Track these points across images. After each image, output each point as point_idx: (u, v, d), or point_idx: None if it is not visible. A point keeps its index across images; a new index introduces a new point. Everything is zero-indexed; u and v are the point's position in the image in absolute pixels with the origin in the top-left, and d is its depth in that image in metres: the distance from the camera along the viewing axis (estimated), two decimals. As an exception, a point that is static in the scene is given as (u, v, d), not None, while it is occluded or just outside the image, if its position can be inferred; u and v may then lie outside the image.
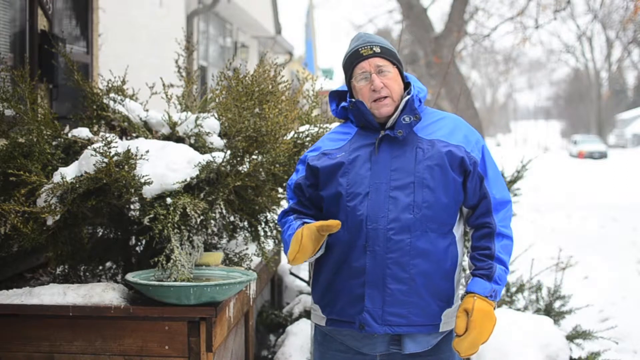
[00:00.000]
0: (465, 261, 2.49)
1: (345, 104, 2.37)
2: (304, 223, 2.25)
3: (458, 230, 2.28)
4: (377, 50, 2.27)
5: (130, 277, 2.78)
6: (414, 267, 2.17)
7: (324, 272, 2.29)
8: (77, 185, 2.78)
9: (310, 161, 2.34)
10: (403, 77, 2.34)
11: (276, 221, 3.55)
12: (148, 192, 2.82)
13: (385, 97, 2.25)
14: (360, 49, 2.29)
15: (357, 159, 2.25)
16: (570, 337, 4.05)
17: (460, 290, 2.37)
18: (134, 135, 3.40)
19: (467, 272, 2.30)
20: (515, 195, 4.86)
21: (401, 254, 2.17)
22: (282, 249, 3.89)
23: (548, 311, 4.41)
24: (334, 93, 2.47)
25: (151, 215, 2.78)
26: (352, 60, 2.31)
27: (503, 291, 4.53)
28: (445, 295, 2.23)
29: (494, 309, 2.19)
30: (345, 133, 2.36)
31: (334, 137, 2.38)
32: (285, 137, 3.26)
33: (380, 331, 2.19)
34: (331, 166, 2.27)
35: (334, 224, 2.13)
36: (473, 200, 2.27)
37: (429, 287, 2.19)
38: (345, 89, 2.43)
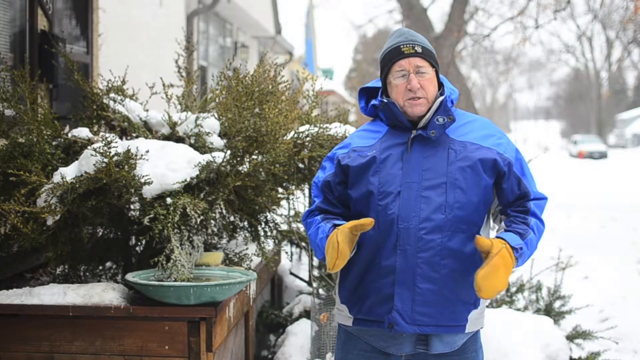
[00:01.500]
0: None
1: (375, 102, 2.34)
2: (334, 225, 2.22)
3: (484, 231, 2.28)
4: (419, 50, 2.25)
5: (130, 277, 2.78)
6: (445, 267, 2.16)
7: (353, 271, 2.27)
8: (77, 185, 2.78)
9: (341, 158, 2.31)
10: (439, 79, 2.33)
11: (276, 221, 3.55)
12: (148, 192, 2.82)
13: (420, 97, 2.23)
14: (402, 46, 2.25)
15: (388, 158, 2.23)
16: (570, 337, 4.05)
17: None
18: (134, 135, 3.40)
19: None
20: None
21: (432, 254, 2.15)
22: (280, 250, 3.89)
23: (548, 311, 4.41)
24: (363, 90, 2.45)
25: (151, 215, 2.78)
26: (391, 57, 2.27)
27: (503, 291, 4.53)
28: (473, 296, 2.21)
29: (512, 271, 2.14)
30: (376, 131, 2.33)
31: (364, 135, 2.34)
32: (285, 137, 3.26)
33: (410, 330, 2.17)
34: (362, 164, 2.25)
35: (367, 222, 2.11)
36: (511, 199, 2.26)
37: (457, 288, 2.18)
38: (375, 85, 2.41)
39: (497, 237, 2.17)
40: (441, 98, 2.24)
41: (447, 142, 2.23)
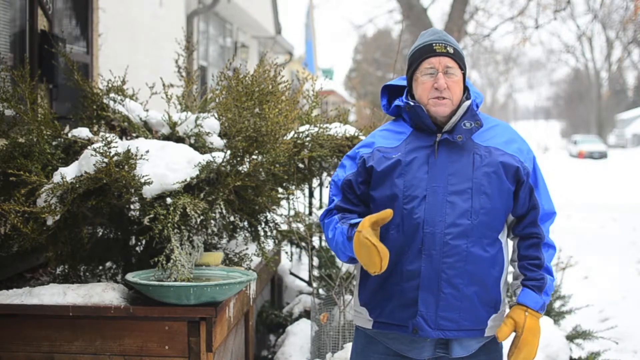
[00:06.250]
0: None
1: (399, 102, 2.31)
2: (350, 226, 2.19)
3: (504, 236, 2.28)
4: (451, 50, 2.23)
5: (130, 277, 2.78)
6: (468, 273, 2.17)
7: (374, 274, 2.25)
8: (77, 185, 2.78)
9: (366, 158, 2.28)
10: (465, 83, 2.30)
11: (276, 221, 3.55)
12: (148, 192, 2.82)
13: (445, 98, 2.21)
14: (434, 44, 2.23)
15: (414, 161, 2.22)
16: (570, 337, 4.06)
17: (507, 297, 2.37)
18: (134, 135, 3.40)
19: (517, 280, 2.29)
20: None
21: (457, 259, 2.16)
22: (280, 250, 3.88)
23: (548, 311, 4.41)
24: (386, 87, 2.42)
25: (151, 215, 2.78)
26: (422, 53, 2.25)
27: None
28: (493, 300, 2.23)
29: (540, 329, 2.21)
30: (400, 132, 2.31)
31: (388, 135, 2.32)
32: (285, 137, 3.26)
33: (434, 335, 2.18)
34: (388, 167, 2.23)
35: (387, 214, 2.09)
36: (522, 210, 2.26)
37: (479, 293, 2.19)
38: (398, 83, 2.39)
39: (518, 303, 2.21)
40: (468, 102, 2.23)
41: (472, 147, 2.22)
